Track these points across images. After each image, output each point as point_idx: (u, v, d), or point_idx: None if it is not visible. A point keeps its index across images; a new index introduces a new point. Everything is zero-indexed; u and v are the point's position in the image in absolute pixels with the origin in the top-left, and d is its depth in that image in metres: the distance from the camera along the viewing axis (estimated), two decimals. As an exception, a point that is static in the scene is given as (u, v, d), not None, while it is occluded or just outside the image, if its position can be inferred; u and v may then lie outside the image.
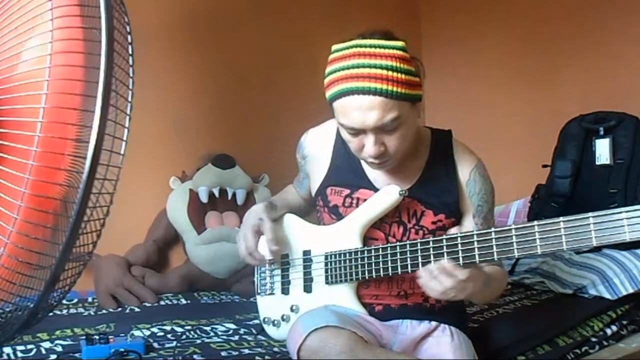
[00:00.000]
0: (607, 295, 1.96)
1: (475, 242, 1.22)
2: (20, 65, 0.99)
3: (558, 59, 2.82)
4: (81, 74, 0.98)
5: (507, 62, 3.02)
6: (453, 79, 3.20)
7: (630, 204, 2.45)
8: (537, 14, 2.89)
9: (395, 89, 1.23)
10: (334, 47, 1.30)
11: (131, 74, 1.09)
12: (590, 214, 1.08)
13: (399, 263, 1.31)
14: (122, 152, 1.05)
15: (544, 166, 2.48)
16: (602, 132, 2.33)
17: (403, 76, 1.24)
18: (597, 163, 2.32)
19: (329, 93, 1.29)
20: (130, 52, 1.10)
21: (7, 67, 1.00)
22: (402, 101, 1.25)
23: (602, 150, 2.31)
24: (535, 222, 1.15)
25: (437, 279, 1.21)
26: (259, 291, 1.62)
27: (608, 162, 2.29)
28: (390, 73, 1.23)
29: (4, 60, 1.00)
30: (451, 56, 3.20)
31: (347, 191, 1.45)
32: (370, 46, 1.25)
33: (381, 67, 1.23)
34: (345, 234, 1.42)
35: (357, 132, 1.29)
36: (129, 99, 1.08)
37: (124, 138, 1.06)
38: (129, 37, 1.11)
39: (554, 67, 2.83)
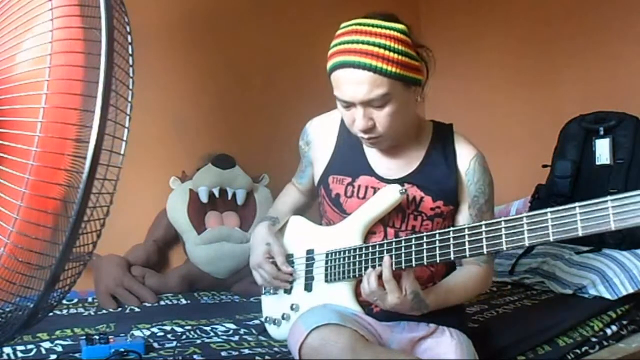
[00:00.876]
0: (607, 295, 1.96)
1: (467, 236, 1.22)
2: (20, 65, 0.99)
3: (558, 59, 2.81)
4: (81, 74, 0.98)
5: (507, 62, 3.02)
6: (453, 79, 3.18)
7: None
8: (537, 14, 2.89)
9: (385, 66, 1.26)
10: (342, 25, 1.36)
11: (131, 74, 1.09)
12: (577, 203, 1.07)
13: (393, 259, 1.31)
14: (122, 152, 1.05)
15: (544, 166, 2.48)
16: (602, 132, 2.33)
17: (396, 56, 1.27)
18: (597, 163, 2.32)
19: (328, 65, 1.34)
20: (130, 52, 1.10)
21: (7, 67, 1.00)
22: (392, 79, 1.28)
23: (602, 150, 2.31)
24: (524, 214, 1.15)
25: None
26: (264, 291, 1.63)
27: (608, 162, 2.29)
28: (382, 51, 1.26)
29: (3, 60, 1.00)
30: (451, 56, 3.19)
31: (349, 179, 1.46)
32: (370, 25, 1.30)
33: (374, 45, 1.27)
34: (347, 233, 1.43)
35: (348, 105, 1.33)
36: (129, 99, 1.08)
37: (124, 138, 1.06)
38: (129, 37, 1.11)
39: (554, 67, 2.83)
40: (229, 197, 2.39)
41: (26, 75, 0.98)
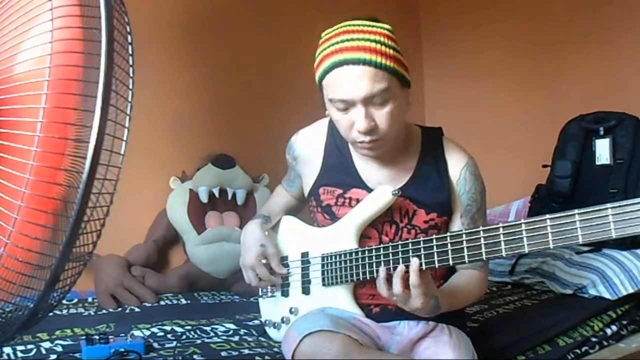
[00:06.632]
0: (607, 295, 1.96)
1: (465, 242, 1.22)
2: (20, 65, 0.99)
3: (558, 59, 2.82)
4: (81, 74, 0.98)
5: (507, 62, 3.02)
6: (453, 79, 3.20)
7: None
8: (537, 14, 2.90)
9: (384, 60, 1.27)
10: (324, 32, 1.35)
11: (131, 74, 1.09)
12: (576, 210, 1.07)
13: (391, 264, 1.30)
14: (122, 152, 1.05)
15: (544, 166, 2.48)
16: (602, 132, 2.33)
17: (391, 51, 1.29)
18: (597, 163, 2.32)
19: (319, 71, 1.32)
20: (130, 52, 1.10)
21: (7, 67, 1.00)
22: (390, 74, 1.28)
23: (602, 150, 2.32)
24: (523, 221, 1.14)
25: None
26: (261, 294, 1.62)
27: (608, 162, 2.29)
28: (378, 46, 1.27)
29: (4, 60, 1.00)
30: (451, 56, 3.20)
31: (340, 191, 1.45)
32: (360, 25, 1.31)
33: (370, 40, 1.28)
34: (341, 235, 1.42)
35: (347, 106, 1.30)
36: (129, 99, 1.08)
37: (124, 138, 1.06)
38: (129, 37, 1.11)
39: (554, 67, 2.83)
40: (229, 197, 2.39)
41: (26, 75, 0.98)
